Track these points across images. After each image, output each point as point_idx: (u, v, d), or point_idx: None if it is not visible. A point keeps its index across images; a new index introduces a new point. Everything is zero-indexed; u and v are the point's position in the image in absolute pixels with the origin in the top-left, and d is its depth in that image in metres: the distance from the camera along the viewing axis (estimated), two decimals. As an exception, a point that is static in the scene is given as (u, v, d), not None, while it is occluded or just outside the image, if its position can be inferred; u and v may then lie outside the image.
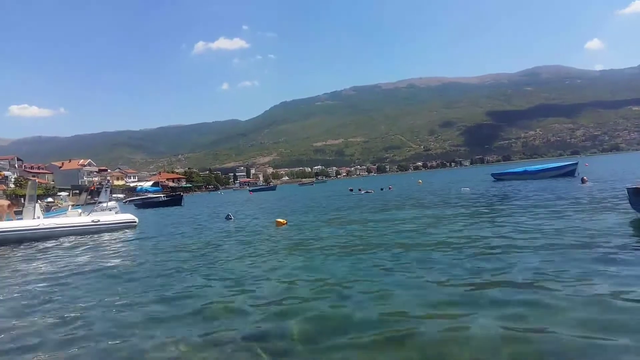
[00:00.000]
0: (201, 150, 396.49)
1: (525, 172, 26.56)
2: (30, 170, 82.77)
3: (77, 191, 67.50)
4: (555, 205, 10.43)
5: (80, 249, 9.90)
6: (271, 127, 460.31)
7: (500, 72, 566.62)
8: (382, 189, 27.98)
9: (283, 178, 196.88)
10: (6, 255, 9.68)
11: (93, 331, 3.79)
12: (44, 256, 9.10)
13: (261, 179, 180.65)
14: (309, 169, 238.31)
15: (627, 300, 3.45)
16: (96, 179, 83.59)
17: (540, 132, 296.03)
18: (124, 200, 46.65)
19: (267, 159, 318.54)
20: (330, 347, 3.05)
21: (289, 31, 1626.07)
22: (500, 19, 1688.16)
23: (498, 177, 28.20)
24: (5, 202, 13.36)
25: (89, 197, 17.20)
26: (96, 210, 14.21)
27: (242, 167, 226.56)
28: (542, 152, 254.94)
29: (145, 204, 34.76)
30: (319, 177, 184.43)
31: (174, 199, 35.05)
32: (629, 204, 7.67)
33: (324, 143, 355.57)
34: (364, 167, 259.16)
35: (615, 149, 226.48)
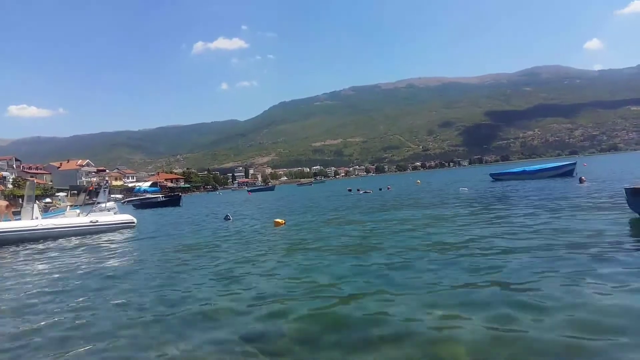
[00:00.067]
0: (200, 150, 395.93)
1: (523, 172, 26.63)
2: (29, 171, 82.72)
3: (76, 192, 66.81)
4: (554, 205, 10.46)
5: (79, 249, 9.90)
6: (270, 127, 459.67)
7: (499, 72, 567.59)
8: (380, 189, 28.02)
9: (282, 178, 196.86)
10: (5, 256, 9.69)
11: (92, 331, 3.80)
12: (42, 257, 9.10)
13: (260, 179, 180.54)
14: (308, 169, 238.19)
15: (622, 300, 3.48)
16: (95, 179, 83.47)
17: (539, 132, 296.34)
18: (122, 201, 46.63)
19: (265, 159, 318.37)
20: (327, 347, 3.08)
21: (288, 31, 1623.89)
22: (500, 19, 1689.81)
23: (496, 177, 28.26)
24: (4, 203, 13.37)
25: (88, 197, 17.11)
26: (95, 211, 14.20)
27: (241, 168, 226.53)
28: (540, 152, 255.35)
29: (143, 205, 34.77)
30: (318, 178, 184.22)
31: (172, 200, 35.13)
32: (626, 204, 7.70)
33: (322, 143, 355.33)
34: (363, 167, 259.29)
35: (614, 149, 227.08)
